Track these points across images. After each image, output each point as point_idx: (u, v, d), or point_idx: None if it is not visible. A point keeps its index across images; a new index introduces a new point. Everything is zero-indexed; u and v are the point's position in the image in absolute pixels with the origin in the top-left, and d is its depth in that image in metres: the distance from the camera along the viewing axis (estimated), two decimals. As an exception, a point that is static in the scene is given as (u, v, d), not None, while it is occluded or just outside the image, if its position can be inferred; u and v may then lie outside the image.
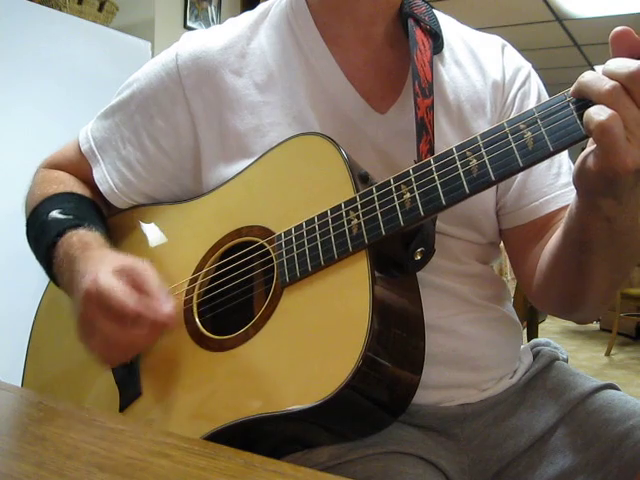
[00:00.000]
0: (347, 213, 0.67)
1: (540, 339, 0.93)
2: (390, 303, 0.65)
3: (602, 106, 0.54)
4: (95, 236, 0.79)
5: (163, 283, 0.70)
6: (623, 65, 0.54)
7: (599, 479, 0.72)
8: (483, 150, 0.61)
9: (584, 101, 0.56)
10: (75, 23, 2.41)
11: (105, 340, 0.68)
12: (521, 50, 0.91)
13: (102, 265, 0.70)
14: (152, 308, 0.66)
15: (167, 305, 0.67)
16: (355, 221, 0.66)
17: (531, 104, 0.84)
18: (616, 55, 0.57)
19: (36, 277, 0.86)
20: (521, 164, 0.59)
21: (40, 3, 2.39)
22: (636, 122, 0.53)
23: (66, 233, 0.78)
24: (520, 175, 0.80)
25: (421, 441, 0.75)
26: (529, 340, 0.97)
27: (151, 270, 0.70)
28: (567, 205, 0.80)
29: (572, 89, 0.57)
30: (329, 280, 0.66)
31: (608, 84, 0.54)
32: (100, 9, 2.64)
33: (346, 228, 0.67)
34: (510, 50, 0.89)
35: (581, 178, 0.60)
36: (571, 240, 0.69)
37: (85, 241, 0.77)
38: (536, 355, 0.88)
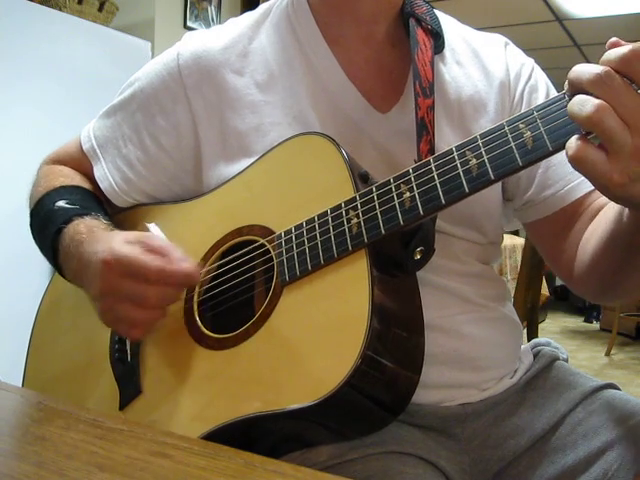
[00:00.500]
0: (347, 212, 0.67)
1: (540, 339, 0.93)
2: (389, 302, 0.65)
3: (572, 139, 0.53)
4: (100, 222, 0.79)
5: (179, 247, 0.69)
6: (613, 51, 0.52)
7: (600, 478, 0.72)
8: (482, 149, 0.61)
9: None
10: (75, 23, 2.41)
11: (132, 305, 0.67)
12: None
13: (114, 240, 0.70)
14: (173, 263, 0.66)
15: (186, 262, 0.67)
16: (355, 220, 0.66)
17: (540, 97, 0.84)
18: None
19: (37, 277, 0.86)
20: (520, 163, 0.59)
21: (40, 3, 2.39)
22: (633, 109, 0.51)
23: (73, 220, 0.78)
24: (541, 167, 0.81)
25: (421, 441, 0.75)
26: (529, 340, 0.97)
27: (165, 239, 0.71)
28: (593, 189, 0.79)
29: (565, 85, 0.56)
30: (329, 279, 0.66)
31: (599, 68, 0.52)
32: (100, 9, 2.64)
33: (346, 227, 0.67)
34: (512, 47, 0.89)
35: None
36: (617, 242, 0.69)
37: (91, 226, 0.77)
38: (536, 355, 0.88)
